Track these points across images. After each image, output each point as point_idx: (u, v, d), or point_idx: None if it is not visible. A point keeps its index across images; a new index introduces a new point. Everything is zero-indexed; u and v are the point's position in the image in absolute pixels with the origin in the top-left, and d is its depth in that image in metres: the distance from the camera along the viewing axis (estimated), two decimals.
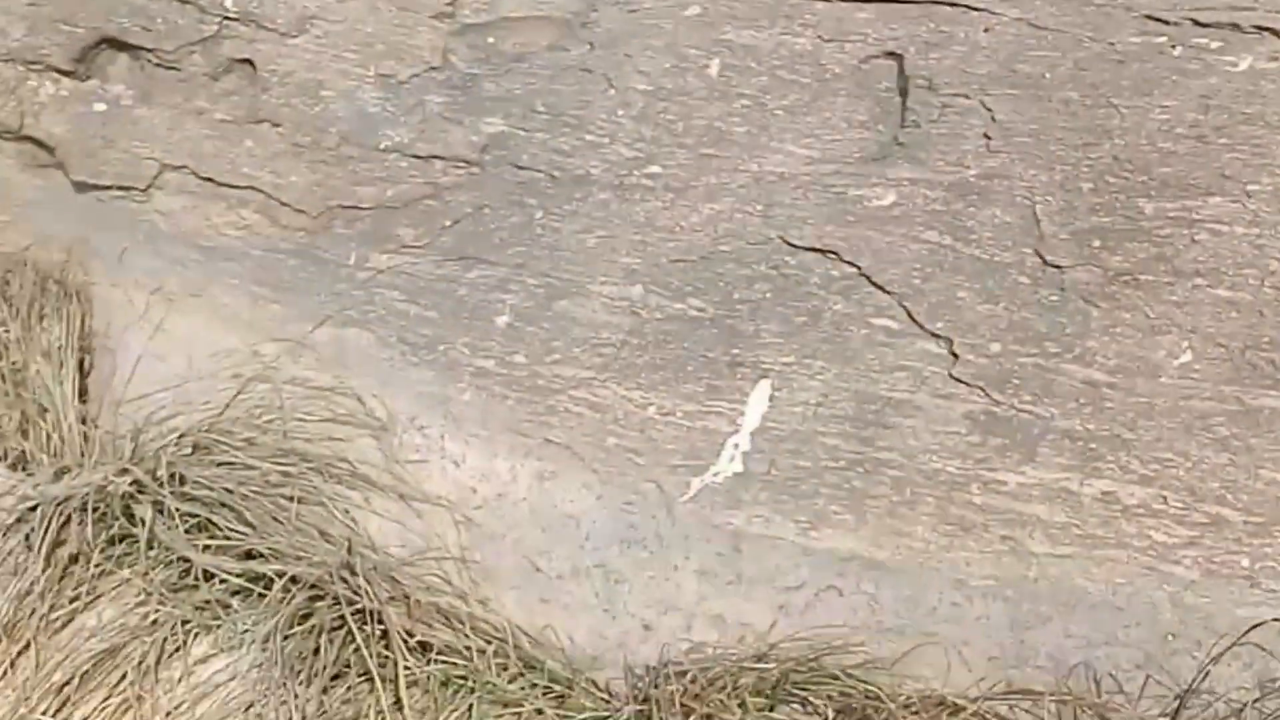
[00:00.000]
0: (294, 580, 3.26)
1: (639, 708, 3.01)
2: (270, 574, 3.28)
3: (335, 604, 3.21)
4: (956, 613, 3.07)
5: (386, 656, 3.12)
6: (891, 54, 3.79)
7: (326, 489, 3.59)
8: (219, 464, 3.63)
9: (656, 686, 3.05)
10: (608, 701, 3.10)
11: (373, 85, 4.30)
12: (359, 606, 3.17)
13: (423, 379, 3.73)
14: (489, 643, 3.20)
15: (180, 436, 3.68)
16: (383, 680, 3.06)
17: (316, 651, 3.14)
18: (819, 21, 3.92)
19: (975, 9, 3.76)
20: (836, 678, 2.98)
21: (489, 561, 3.42)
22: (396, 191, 4.08)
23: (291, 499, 3.55)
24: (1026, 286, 3.32)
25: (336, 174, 4.17)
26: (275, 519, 3.49)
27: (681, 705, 2.94)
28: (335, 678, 3.16)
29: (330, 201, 4.14)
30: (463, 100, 4.18)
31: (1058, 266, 3.31)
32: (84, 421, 3.94)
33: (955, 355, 3.28)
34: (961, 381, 3.25)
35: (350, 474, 3.63)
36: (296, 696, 3.07)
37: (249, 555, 3.40)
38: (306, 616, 3.20)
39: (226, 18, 4.51)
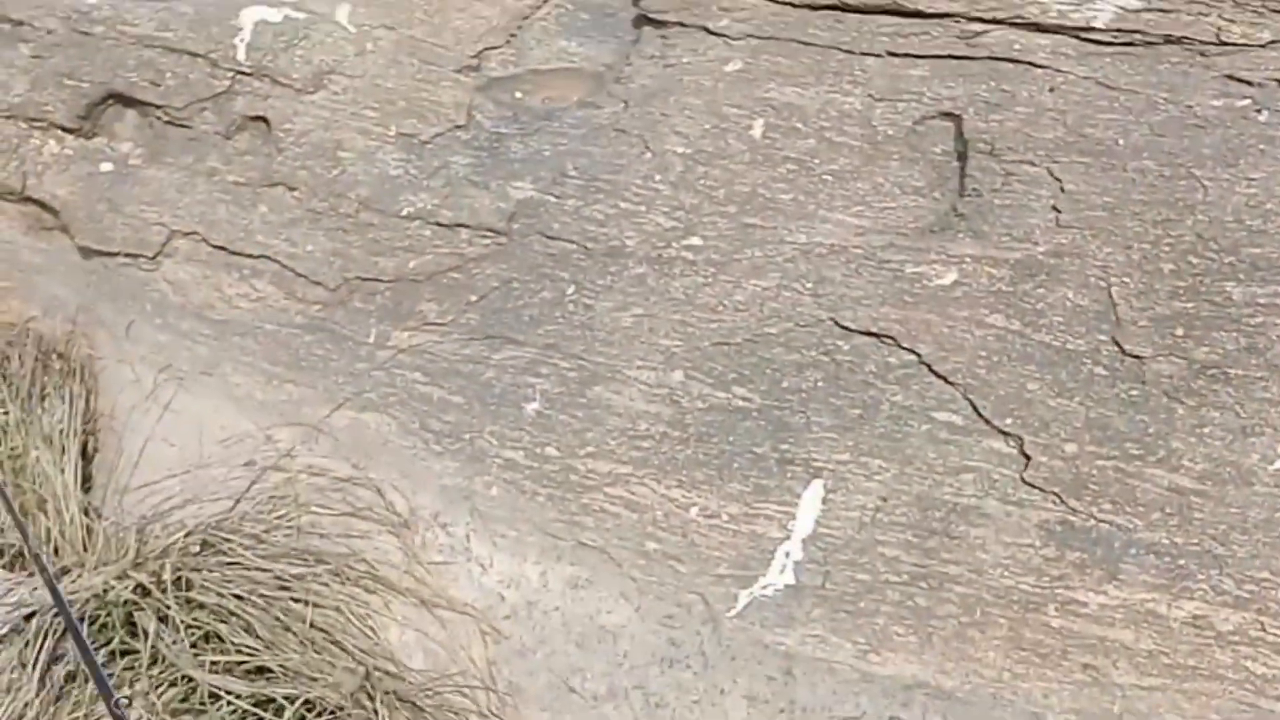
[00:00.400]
0: (308, 705, 3.00)
1: None
2: (281, 698, 3.01)
3: None
4: None
5: None
6: (948, 115, 3.52)
7: (343, 593, 3.34)
8: (228, 564, 3.38)
9: None
10: None
11: (393, 146, 4.06)
12: None
13: (447, 470, 3.47)
14: None
15: (187, 534, 3.42)
16: None
17: None
18: (869, 79, 3.65)
19: (1039, 66, 3.48)
20: None
21: (518, 679, 3.16)
22: (419, 263, 3.83)
23: (305, 603, 3.29)
24: (1103, 379, 3.03)
25: (355, 243, 3.92)
26: (287, 629, 3.24)
27: None
28: None
29: (348, 273, 3.89)
30: (489, 162, 3.93)
31: (1137, 357, 3.03)
32: (86, 513, 3.70)
33: (1026, 456, 3.00)
34: (1034, 486, 2.97)
35: (369, 575, 3.37)
36: None
37: (260, 672, 3.14)
38: None
39: (239, 72, 4.27)
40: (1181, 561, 2.83)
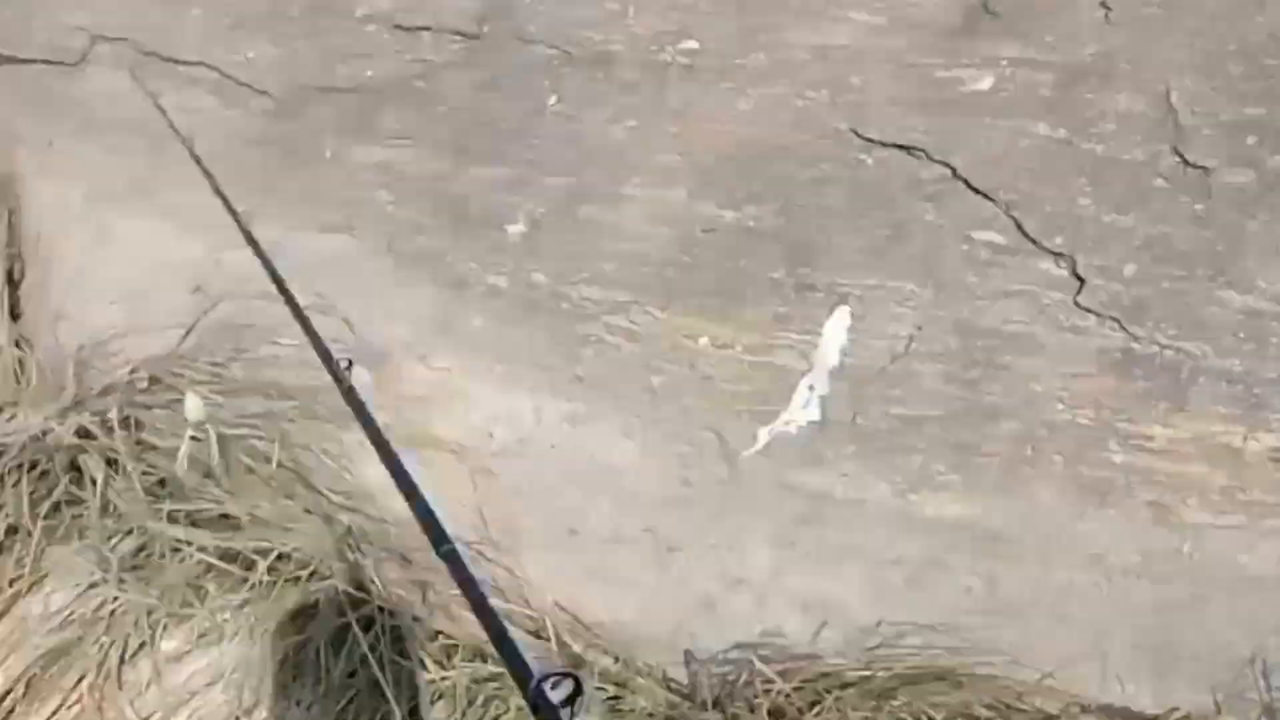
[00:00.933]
0: (281, 558, 2.67)
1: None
2: (251, 552, 2.68)
3: (333, 588, 2.62)
4: (1092, 595, 2.54)
5: (399, 663, 2.53)
6: None
7: (313, 430, 2.99)
8: (180, 401, 3.02)
9: (730, 693, 2.51)
10: (671, 712, 2.53)
11: None
12: (366, 604, 2.58)
13: (423, 299, 3.12)
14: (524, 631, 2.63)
15: (133, 370, 3.05)
16: (396, 689, 2.47)
17: (311, 650, 2.56)
18: None
19: None
20: (959, 685, 2.43)
21: (514, 522, 2.85)
22: (379, 71, 3.43)
23: (271, 441, 2.95)
24: (1164, 192, 2.73)
25: (305, 49, 3.52)
26: (251, 471, 2.90)
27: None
28: (349, 675, 2.56)
29: (299, 81, 3.47)
30: None
31: (1202, 167, 2.73)
32: (18, 345, 3.30)
33: (1080, 278, 2.70)
34: (1090, 311, 2.68)
35: (341, 411, 3.01)
36: (296, 705, 2.49)
37: (224, 520, 2.80)
38: (297, 613, 2.60)
39: None
40: (1257, 390, 2.56)
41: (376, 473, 2.80)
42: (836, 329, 2.80)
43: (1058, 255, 2.74)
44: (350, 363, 1.87)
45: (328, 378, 2.94)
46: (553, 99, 3.24)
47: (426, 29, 3.44)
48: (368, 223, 3.25)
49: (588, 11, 3.30)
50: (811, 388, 2.77)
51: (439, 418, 2.97)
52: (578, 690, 1.10)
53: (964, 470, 2.64)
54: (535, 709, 1.13)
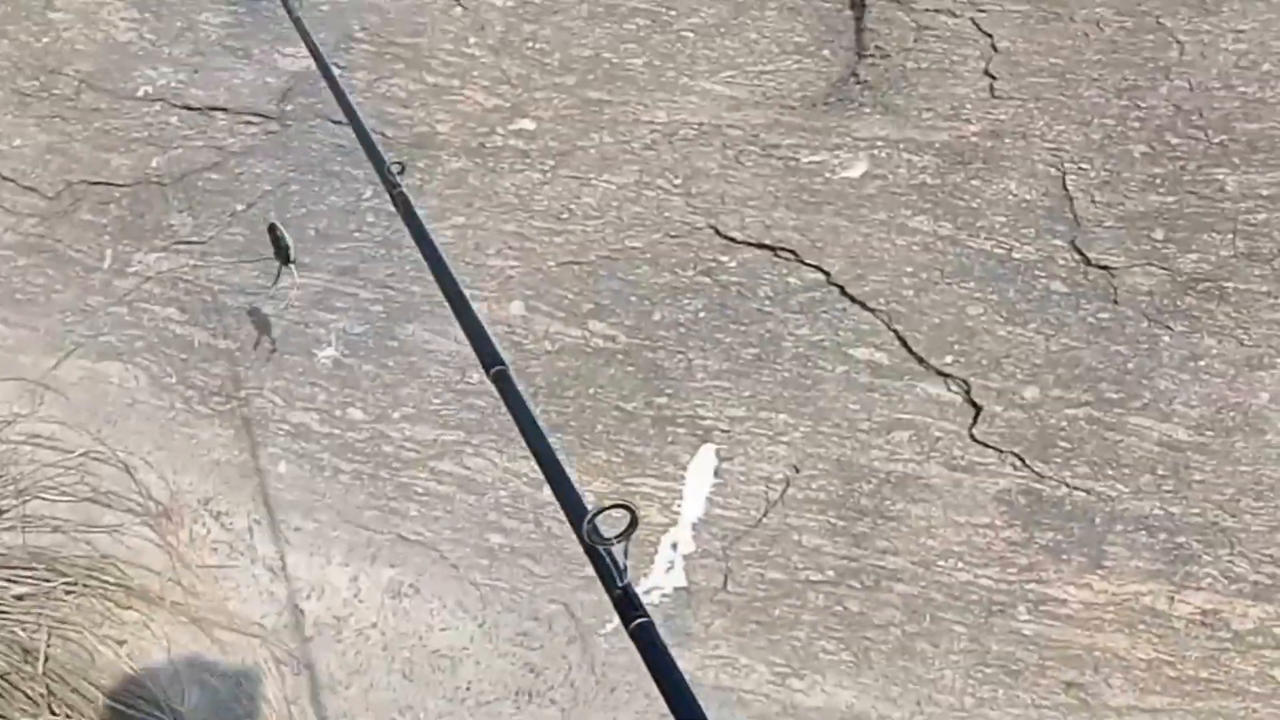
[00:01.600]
0: None
1: None
2: None
3: None
4: None
5: None
6: None
7: (88, 609, 2.53)
8: None
9: None
10: None
11: (123, 2, 3.13)
12: None
13: (218, 440, 2.66)
14: None
15: None
16: None
17: None
18: None
19: None
20: None
21: None
22: (164, 160, 2.98)
23: (38, 626, 2.48)
24: (1064, 298, 2.37)
25: (78, 135, 3.04)
26: (11, 672, 2.43)
27: None
28: None
29: (71, 175, 3.01)
30: (249, 22, 3.06)
31: (1105, 268, 2.37)
32: None
33: (975, 405, 2.33)
34: (988, 445, 2.31)
35: (120, 585, 2.56)
36: None
37: None
38: None
39: None
40: (1181, 539, 2.22)
41: (161, 661, 2.37)
42: (701, 472, 2.40)
43: (948, 377, 2.36)
44: (403, 167, 1.56)
45: (105, 544, 2.50)
46: (368, 193, 2.82)
47: (220, 110, 2.99)
48: (153, 347, 2.79)
49: (407, 86, 2.86)
50: (675, 546, 2.36)
51: (238, 589, 2.52)
52: (633, 523, 1.05)
53: (853, 648, 2.25)
54: (591, 550, 1.08)
